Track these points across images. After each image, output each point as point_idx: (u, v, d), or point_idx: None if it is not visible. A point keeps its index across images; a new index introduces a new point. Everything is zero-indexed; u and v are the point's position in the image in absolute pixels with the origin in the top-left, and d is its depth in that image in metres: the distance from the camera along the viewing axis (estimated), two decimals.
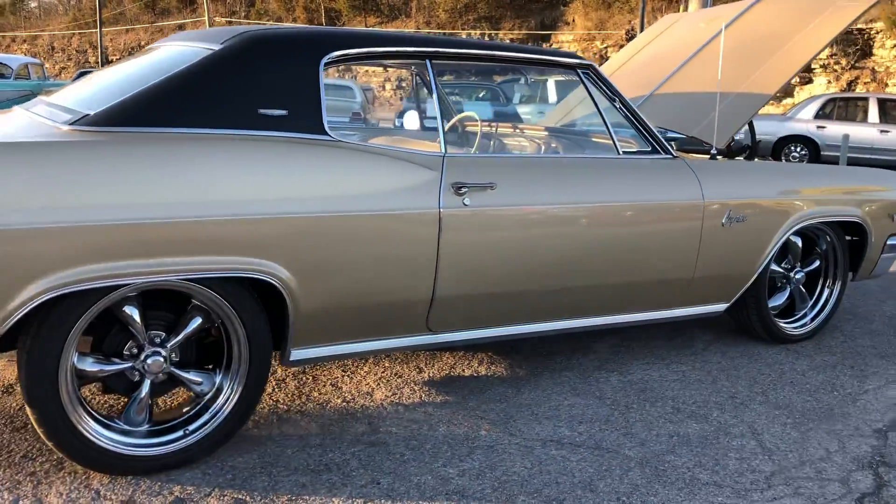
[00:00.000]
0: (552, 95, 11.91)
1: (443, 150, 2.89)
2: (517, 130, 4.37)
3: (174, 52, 2.85)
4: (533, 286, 3.07)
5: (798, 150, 13.51)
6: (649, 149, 3.41)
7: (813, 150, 13.40)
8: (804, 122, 13.63)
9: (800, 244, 3.94)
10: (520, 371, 3.48)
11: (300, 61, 2.67)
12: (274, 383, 3.24)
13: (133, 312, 2.41)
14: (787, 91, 22.14)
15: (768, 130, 13.41)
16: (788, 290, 4.01)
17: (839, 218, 3.88)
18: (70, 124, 2.41)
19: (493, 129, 4.27)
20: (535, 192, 3.02)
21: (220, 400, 2.60)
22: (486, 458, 2.69)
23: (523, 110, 12.74)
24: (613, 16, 30.86)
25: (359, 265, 2.68)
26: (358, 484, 2.49)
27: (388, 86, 30.96)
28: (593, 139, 3.89)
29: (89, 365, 2.41)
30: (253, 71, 2.61)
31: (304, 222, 2.54)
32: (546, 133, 4.19)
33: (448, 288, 2.87)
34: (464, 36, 39.75)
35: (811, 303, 4.13)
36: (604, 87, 3.33)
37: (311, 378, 3.31)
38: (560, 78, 4.61)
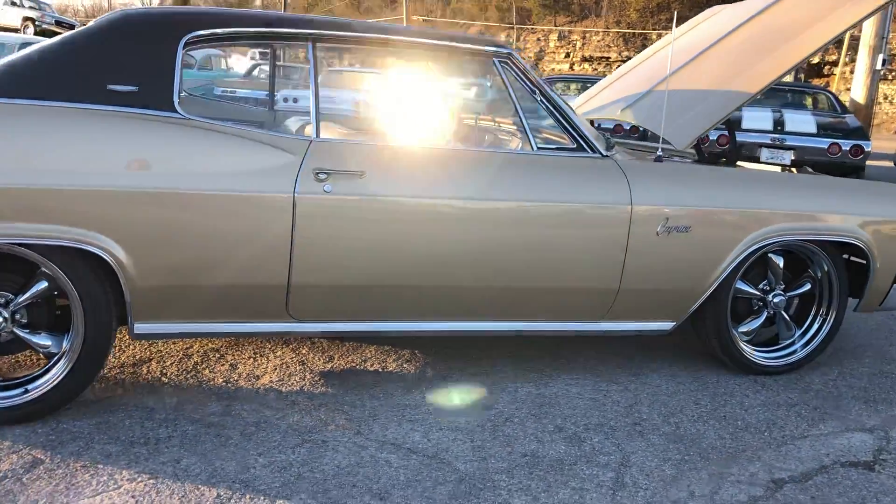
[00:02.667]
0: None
1: (313, 135, 2.83)
2: (427, 120, 4.18)
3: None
4: (406, 282, 2.92)
5: None
6: (574, 146, 3.15)
7: None
8: None
9: (781, 263, 3.48)
10: (429, 372, 3.34)
11: (158, 39, 2.71)
12: (179, 356, 3.31)
13: None
14: None
15: None
16: (764, 314, 3.55)
17: (829, 237, 3.39)
18: None
19: (400, 116, 4.11)
20: (410, 183, 2.88)
21: (61, 364, 2.70)
22: (310, 453, 2.60)
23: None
24: None
25: (204, 245, 2.68)
26: (159, 461, 2.50)
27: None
28: (513, 133, 3.65)
29: None
30: (107, 48, 2.68)
31: (138, 197, 2.58)
32: (458, 125, 3.97)
33: (306, 276, 2.80)
34: (654, 36, 38.43)
35: (800, 332, 3.63)
36: (524, 78, 3.11)
37: (218, 356, 3.35)
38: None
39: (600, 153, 3.15)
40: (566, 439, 2.82)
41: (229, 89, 16.96)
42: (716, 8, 4.76)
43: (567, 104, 3.23)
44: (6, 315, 2.64)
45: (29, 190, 2.47)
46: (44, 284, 2.65)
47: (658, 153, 3.31)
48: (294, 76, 12.79)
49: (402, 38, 3.05)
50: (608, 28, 43.79)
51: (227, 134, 2.73)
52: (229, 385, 3.08)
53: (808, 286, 3.59)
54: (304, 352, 3.46)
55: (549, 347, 3.69)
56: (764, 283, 3.53)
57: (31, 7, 23.95)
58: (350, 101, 7.59)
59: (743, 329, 3.52)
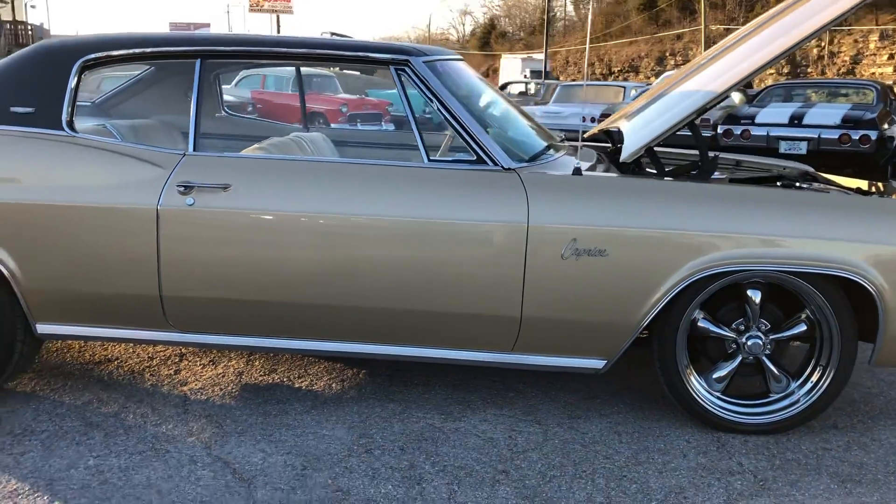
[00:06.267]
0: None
1: (188, 149, 2.89)
2: (319, 132, 3.91)
3: None
4: (278, 298, 2.86)
5: None
6: (473, 158, 2.86)
7: None
8: None
9: (757, 299, 2.84)
10: (350, 394, 3.22)
11: (56, 64, 2.95)
12: (142, 359, 3.55)
13: None
14: None
15: None
16: (738, 359, 2.92)
17: (811, 268, 2.71)
18: None
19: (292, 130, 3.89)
20: (276, 197, 2.82)
21: None
22: (139, 461, 2.65)
23: None
24: None
25: (79, 255, 2.87)
26: (13, 450, 2.71)
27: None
28: (408, 144, 3.33)
29: None
30: (20, 73, 2.98)
31: (21, 208, 2.84)
32: (350, 134, 3.66)
33: (174, 287, 2.87)
34: None
35: (796, 384, 2.93)
36: (422, 86, 2.90)
37: (177, 360, 3.54)
38: None
39: (501, 166, 2.82)
40: (405, 479, 2.57)
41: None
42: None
43: (477, 113, 2.95)
44: None
45: None
46: None
47: (576, 164, 2.88)
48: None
49: (300, 51, 3.00)
50: (885, 28, 38.30)
51: (106, 150, 2.89)
52: (148, 388, 3.24)
53: (802, 328, 2.89)
54: (256, 364, 3.52)
55: (511, 382, 3.37)
56: (739, 321, 2.91)
57: None
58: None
59: (716, 375, 2.93)
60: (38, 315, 2.97)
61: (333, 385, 3.29)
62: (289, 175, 2.87)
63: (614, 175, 2.97)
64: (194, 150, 2.90)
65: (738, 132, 9.96)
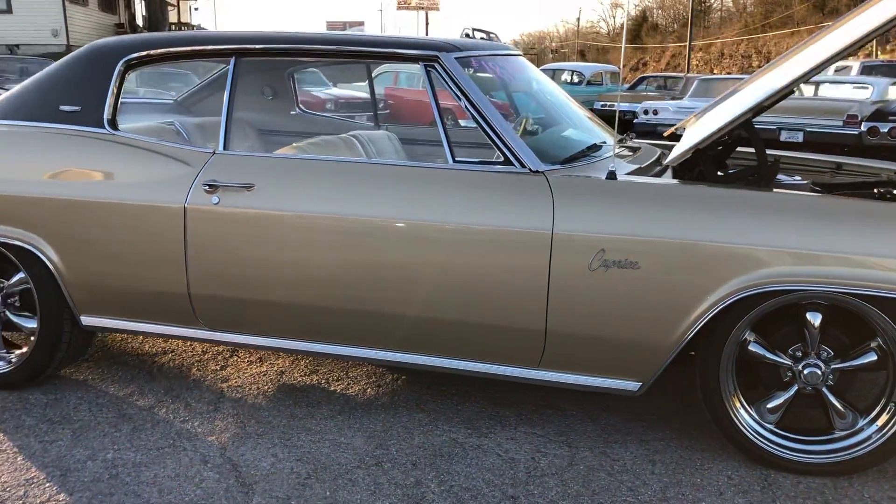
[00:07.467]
0: None
1: (217, 148, 2.89)
2: (346, 128, 3.70)
3: None
4: (297, 300, 2.80)
5: None
6: (501, 160, 2.68)
7: None
8: None
9: (817, 322, 2.51)
10: (381, 401, 3.13)
11: (101, 64, 3.03)
12: (188, 354, 3.61)
13: None
14: None
15: None
16: (794, 388, 2.59)
17: (883, 292, 2.35)
18: None
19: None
20: (297, 197, 2.76)
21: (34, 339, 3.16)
22: (155, 457, 2.68)
23: None
24: None
25: (115, 250, 2.93)
26: (44, 438, 2.80)
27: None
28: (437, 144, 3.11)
29: None
30: (68, 73, 3.08)
31: (65, 204, 2.93)
32: (382, 135, 3.43)
33: (201, 285, 2.88)
34: None
35: (865, 421, 2.57)
36: (450, 83, 2.75)
37: (227, 356, 3.58)
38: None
39: (529, 168, 2.63)
40: (405, 497, 2.45)
41: (608, 103, 17.12)
42: None
43: (503, 112, 2.77)
44: None
45: None
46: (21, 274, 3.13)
47: (611, 168, 2.63)
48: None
49: (329, 48, 2.93)
50: None
51: (142, 148, 2.93)
52: (190, 383, 3.28)
53: (872, 357, 2.52)
54: (300, 364, 3.49)
55: (552, 399, 3.17)
56: (795, 347, 2.58)
57: None
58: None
59: (770, 405, 2.62)
60: (82, 307, 3.06)
61: (368, 390, 3.21)
62: (311, 175, 2.81)
63: (651, 180, 2.71)
64: (224, 149, 2.89)
65: (886, 129, 9.01)
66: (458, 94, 2.74)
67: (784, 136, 10.96)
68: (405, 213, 2.67)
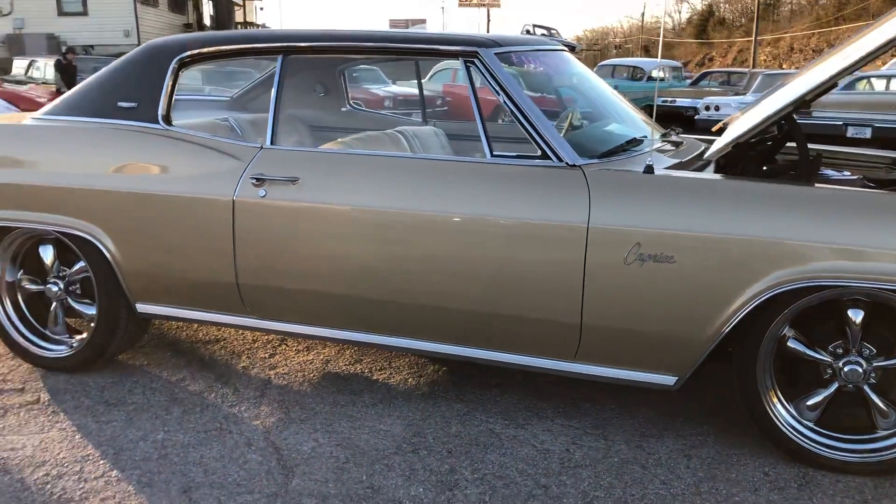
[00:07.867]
0: None
1: (265, 143, 2.98)
2: (396, 124, 3.70)
3: None
4: (339, 291, 2.88)
5: None
6: (539, 154, 2.71)
7: None
8: None
9: (858, 319, 2.47)
10: (422, 390, 3.19)
11: (157, 61, 3.15)
12: (242, 341, 3.74)
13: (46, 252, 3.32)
14: None
15: None
16: (834, 386, 2.55)
17: None
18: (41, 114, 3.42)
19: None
20: (339, 191, 2.83)
21: (93, 325, 3.32)
22: (202, 440, 2.79)
23: None
24: None
25: (167, 241, 3.06)
26: (101, 418, 2.95)
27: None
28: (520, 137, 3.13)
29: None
30: (127, 70, 3.22)
31: (122, 196, 3.07)
32: (429, 131, 3.43)
33: (248, 275, 2.98)
34: None
35: None
36: (490, 79, 2.79)
37: (277, 344, 3.69)
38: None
39: (566, 163, 2.66)
40: (439, 483, 2.50)
41: (669, 99, 16.89)
42: None
43: (552, 108, 2.80)
44: (59, 288, 3.35)
45: (41, 188, 3.14)
46: (81, 263, 3.28)
47: (648, 162, 2.63)
48: None
49: (370, 45, 3.00)
50: None
51: (193, 143, 3.05)
52: (240, 369, 3.39)
53: None
54: (346, 353, 3.58)
55: (590, 392, 3.18)
56: (834, 344, 2.55)
57: None
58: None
59: (809, 403, 2.60)
60: (137, 295, 3.20)
61: (409, 380, 3.28)
62: (354, 169, 2.88)
63: (688, 174, 2.69)
64: (272, 143, 2.99)
65: None
66: (497, 89, 2.77)
67: (851, 133, 10.65)
68: (443, 206, 2.72)
